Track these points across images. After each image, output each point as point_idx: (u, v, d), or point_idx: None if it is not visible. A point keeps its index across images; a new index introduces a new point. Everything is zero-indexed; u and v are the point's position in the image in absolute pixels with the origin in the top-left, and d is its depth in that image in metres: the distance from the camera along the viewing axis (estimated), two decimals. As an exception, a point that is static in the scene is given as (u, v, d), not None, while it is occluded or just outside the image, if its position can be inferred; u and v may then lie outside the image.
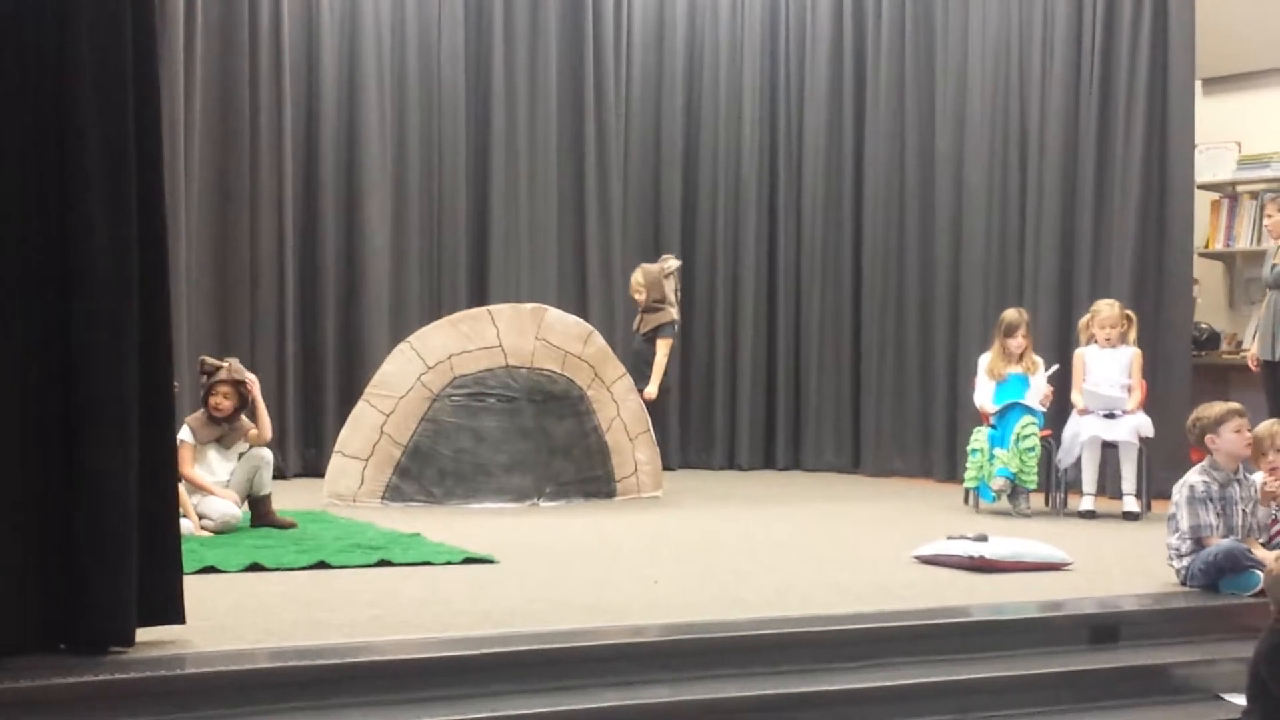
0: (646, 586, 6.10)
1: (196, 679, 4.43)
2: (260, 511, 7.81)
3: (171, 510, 4.78)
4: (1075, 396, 9.18)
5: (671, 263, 10.65)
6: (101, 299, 4.50)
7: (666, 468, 10.65)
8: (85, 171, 4.51)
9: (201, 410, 7.90)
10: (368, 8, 11.31)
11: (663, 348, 10.46)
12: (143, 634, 4.60)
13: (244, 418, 8.01)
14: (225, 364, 7.98)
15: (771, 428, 12.70)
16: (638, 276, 10.58)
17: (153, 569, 4.62)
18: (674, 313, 10.54)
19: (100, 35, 4.54)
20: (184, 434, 7.74)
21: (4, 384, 4.37)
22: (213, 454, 7.88)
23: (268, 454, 8.04)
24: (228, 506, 7.64)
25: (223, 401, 7.86)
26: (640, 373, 10.25)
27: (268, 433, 8.08)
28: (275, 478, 8.15)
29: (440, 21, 11.63)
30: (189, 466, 7.64)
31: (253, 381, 8.03)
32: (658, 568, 6.63)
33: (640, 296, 10.54)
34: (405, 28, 11.51)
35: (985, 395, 9.36)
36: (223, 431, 7.91)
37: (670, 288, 10.55)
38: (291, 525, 7.71)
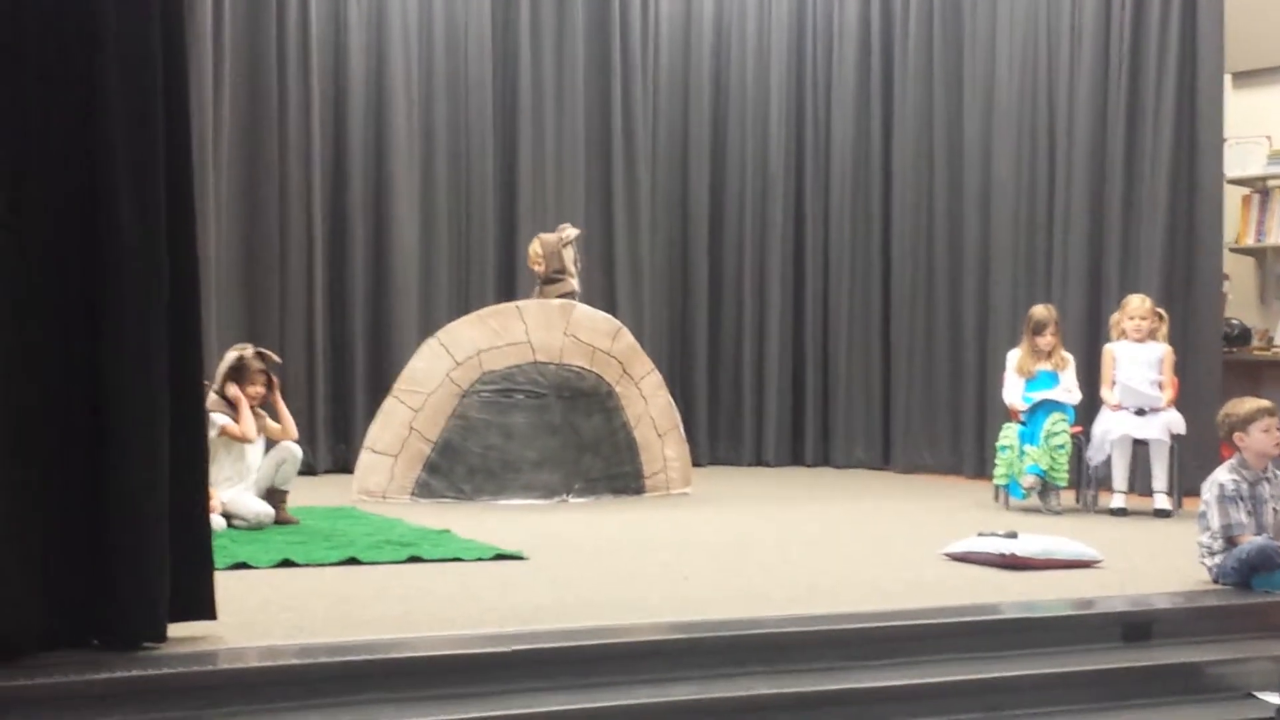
0: (676, 583, 6.09)
1: (228, 675, 4.44)
2: (273, 505, 7.82)
3: (202, 506, 4.79)
4: (1105, 393, 9.14)
5: (570, 231, 10.18)
6: (131, 295, 4.51)
7: (695, 464, 10.65)
8: (114, 168, 4.51)
9: (227, 402, 7.86)
10: (395, 2, 11.33)
11: None
12: (174, 630, 4.61)
13: (279, 406, 8.04)
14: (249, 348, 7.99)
15: (800, 424, 12.68)
16: (535, 247, 10.07)
17: (184, 565, 4.63)
18: (574, 283, 10.05)
19: (129, 27, 4.55)
20: (222, 419, 7.73)
21: (34, 381, 4.38)
22: (248, 445, 7.89)
23: (297, 450, 8.05)
24: (262, 506, 7.66)
25: (259, 390, 7.89)
26: None
27: (293, 430, 8.09)
28: (304, 473, 8.14)
29: (467, 17, 11.64)
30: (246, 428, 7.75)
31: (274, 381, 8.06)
32: (687, 564, 6.62)
33: (539, 268, 10.00)
34: (433, 22, 11.53)
35: (1015, 392, 9.32)
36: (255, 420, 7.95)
37: (569, 257, 10.08)
38: (294, 522, 7.74)
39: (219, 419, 7.72)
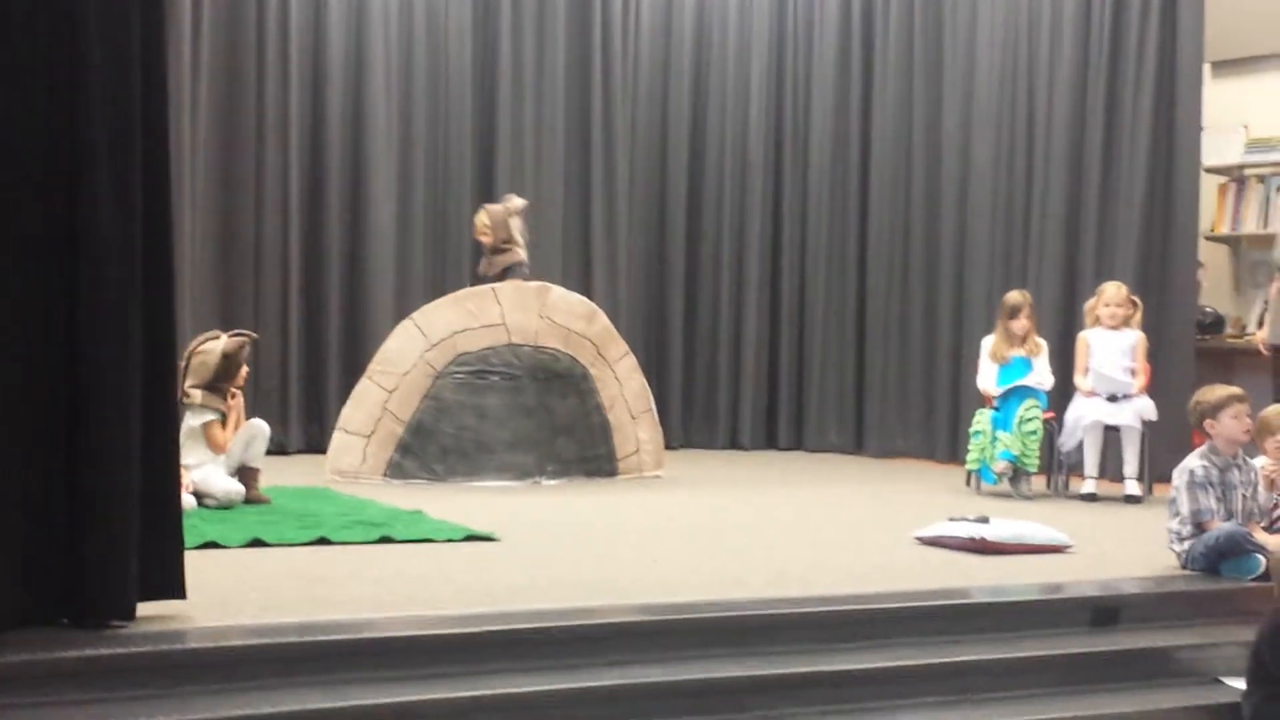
0: (647, 566, 6.11)
1: (197, 654, 4.43)
2: (245, 483, 7.80)
3: (173, 485, 4.78)
4: (1079, 379, 9.18)
5: (516, 201, 10.13)
6: (105, 276, 4.50)
7: (668, 447, 10.64)
8: (91, 147, 4.50)
9: (211, 390, 7.83)
10: (374, -14, 11.30)
11: None
12: (143, 609, 4.61)
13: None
14: (233, 338, 7.97)
15: (774, 408, 12.69)
16: (482, 218, 10.01)
17: (154, 544, 4.63)
18: (522, 253, 10.00)
19: (108, 10, 4.54)
20: (210, 416, 7.75)
21: (7, 363, 4.37)
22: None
23: (265, 427, 8.05)
24: (231, 483, 7.65)
25: (242, 381, 7.93)
26: None
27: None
28: (276, 453, 8.13)
29: (448, 3, 11.60)
30: (229, 433, 7.78)
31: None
32: (658, 547, 6.64)
33: (487, 239, 9.96)
34: (412, 7, 11.48)
35: (988, 378, 9.35)
36: (239, 404, 7.95)
37: (516, 227, 10.02)
38: (265, 501, 7.72)
39: (209, 415, 7.74)
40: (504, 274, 9.88)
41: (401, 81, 11.43)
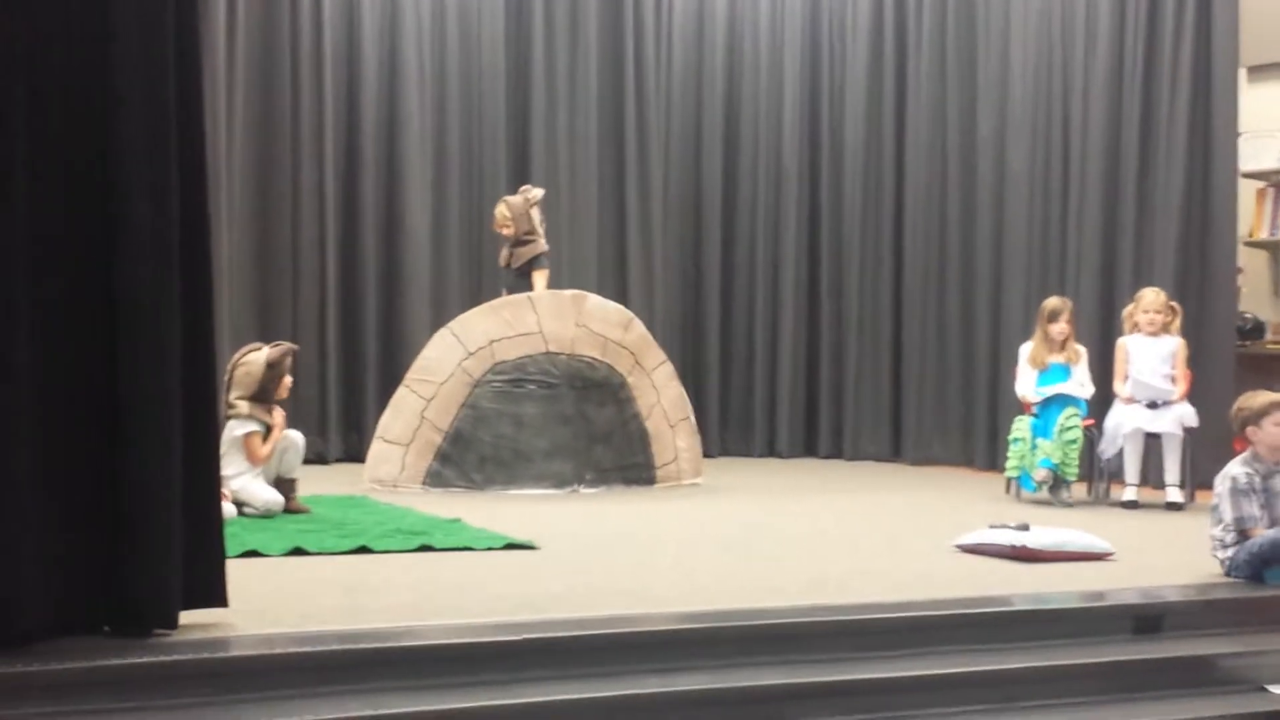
0: (686, 574, 6.09)
1: (238, 661, 4.44)
2: (283, 494, 7.83)
3: (214, 493, 4.79)
4: (1118, 386, 9.14)
5: (535, 192, 10.14)
6: (144, 285, 4.51)
7: (706, 455, 10.64)
8: (126, 160, 4.52)
9: (256, 400, 7.86)
10: (409, -1, 11.35)
11: (540, 279, 9.95)
12: (186, 617, 4.62)
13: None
14: (274, 348, 7.99)
15: (812, 416, 12.68)
16: (503, 210, 10.02)
17: (196, 552, 4.64)
18: (544, 243, 10.05)
19: (143, 24, 4.56)
20: (255, 426, 7.77)
21: (48, 369, 4.39)
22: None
23: (299, 437, 8.07)
24: (272, 493, 7.68)
25: (285, 391, 7.95)
26: None
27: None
28: (315, 462, 8.16)
29: (480, 12, 11.64)
30: (262, 452, 7.77)
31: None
32: (697, 555, 6.63)
33: (508, 231, 9.98)
34: (445, 16, 11.53)
35: (1027, 384, 9.32)
36: (283, 416, 7.99)
37: (536, 218, 10.05)
38: (305, 511, 7.75)
39: (253, 426, 7.77)
40: (529, 265, 9.94)
41: (435, 91, 11.48)
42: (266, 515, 7.55)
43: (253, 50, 10.80)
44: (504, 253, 10.09)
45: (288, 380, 8.00)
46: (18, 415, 4.28)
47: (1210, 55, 10.09)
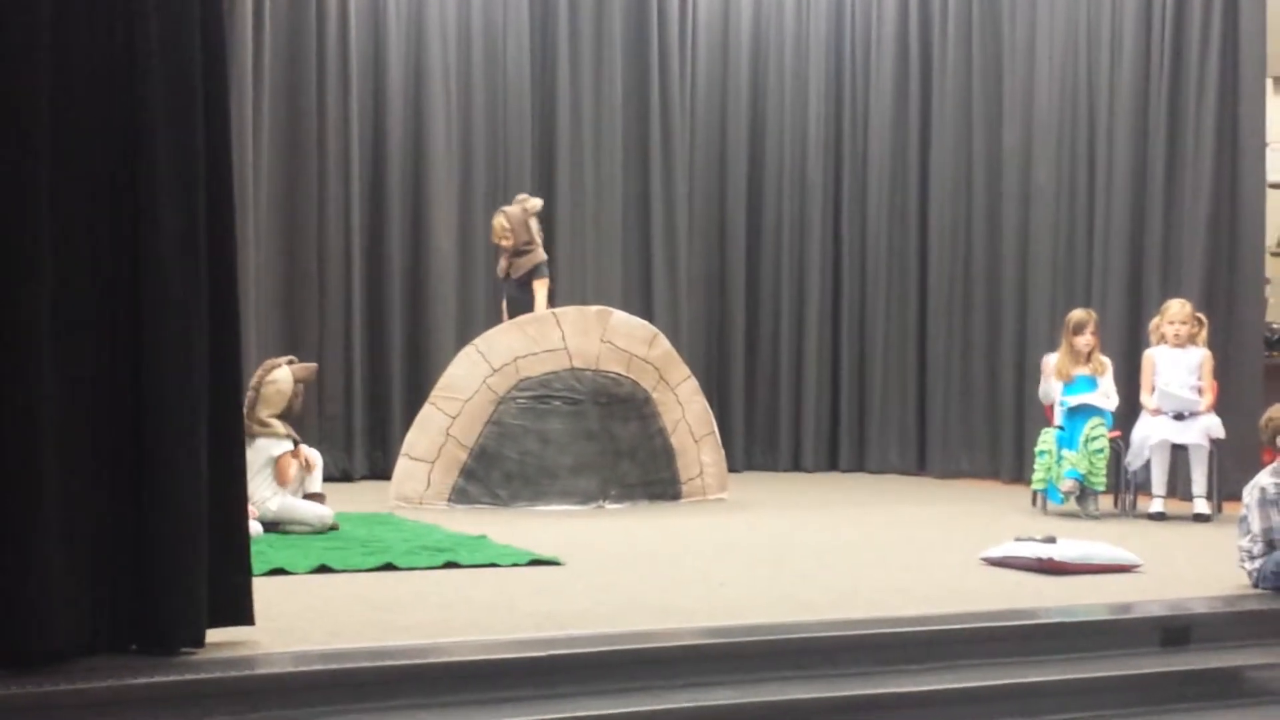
0: (712, 588, 6.09)
1: (266, 679, 4.46)
2: None
3: (241, 512, 4.81)
4: (1145, 398, 9.11)
5: (533, 201, 10.14)
6: (171, 303, 4.54)
7: (731, 470, 10.63)
8: (154, 176, 4.55)
9: (284, 418, 7.88)
10: (433, 11, 11.37)
11: (541, 289, 9.96)
12: (213, 635, 4.64)
13: None
14: (288, 368, 8.01)
15: (837, 429, 12.66)
16: (501, 221, 10.00)
17: (222, 571, 4.66)
18: (543, 253, 10.05)
19: (170, 39, 4.59)
20: (290, 445, 7.80)
21: (75, 388, 4.42)
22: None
23: (317, 454, 8.11)
24: (319, 508, 7.70)
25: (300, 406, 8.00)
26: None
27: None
28: (341, 479, 8.17)
29: (505, 25, 11.67)
30: (294, 473, 7.79)
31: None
32: (724, 570, 6.62)
33: (507, 241, 9.97)
34: (470, 31, 11.57)
35: (1050, 390, 9.28)
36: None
37: (535, 228, 10.05)
38: (334, 527, 7.74)
39: (289, 445, 7.79)
40: (529, 275, 9.94)
41: (461, 107, 11.51)
42: (321, 531, 7.54)
43: (279, 64, 10.85)
44: (502, 263, 10.11)
45: (301, 405, 8.03)
46: (44, 435, 4.30)
47: (1237, 65, 10.05)
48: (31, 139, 4.34)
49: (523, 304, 9.91)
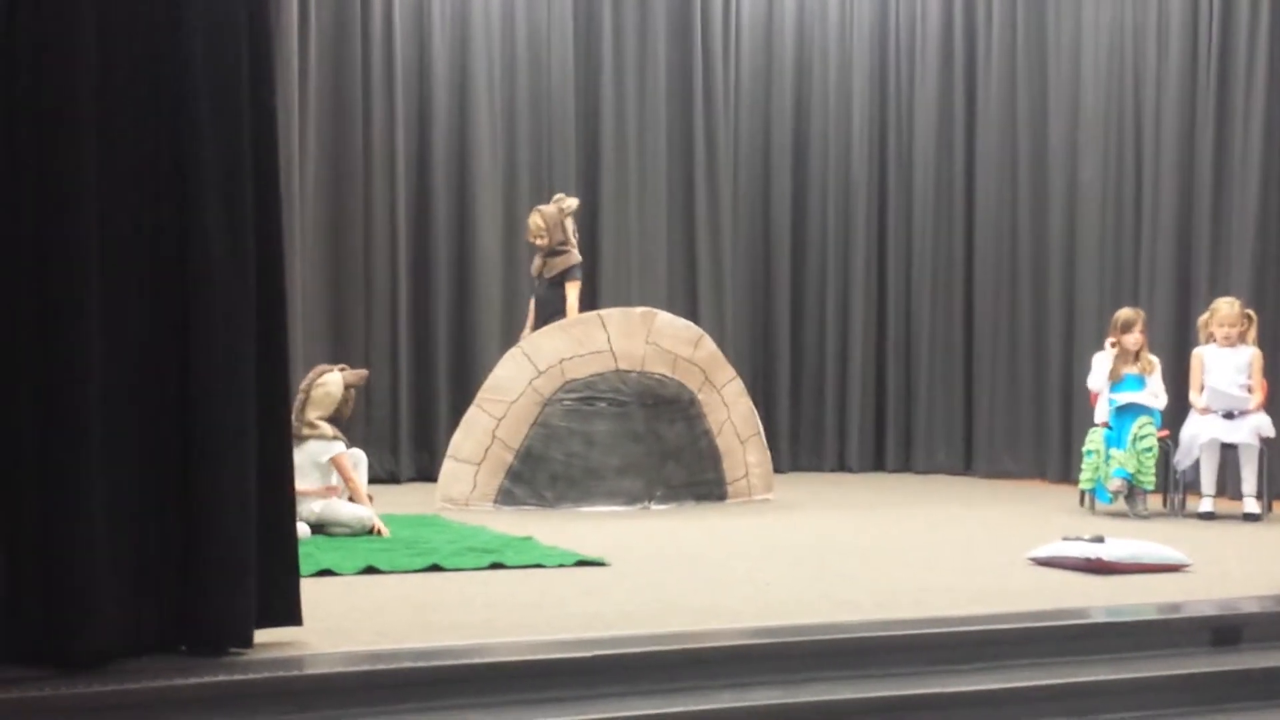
0: (758, 589, 6.08)
1: (313, 680, 4.47)
2: None
3: (289, 513, 4.82)
4: (1194, 397, 9.05)
5: (569, 201, 10.04)
6: (219, 305, 4.56)
7: (777, 470, 10.62)
8: (202, 185, 4.57)
9: (335, 421, 7.91)
10: (478, 11, 11.41)
11: (573, 291, 9.87)
12: (261, 635, 4.66)
13: None
14: (339, 373, 8.03)
15: (883, 430, 12.64)
16: (537, 220, 9.91)
17: (271, 572, 4.68)
18: (578, 255, 9.99)
19: (216, 40, 4.61)
20: (343, 447, 7.85)
21: (123, 388, 4.44)
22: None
23: (362, 454, 8.13)
24: (359, 509, 7.72)
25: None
26: (550, 321, 9.69)
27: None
28: (388, 481, 8.18)
29: (549, 25, 11.70)
30: (355, 476, 7.83)
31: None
32: (769, 570, 6.61)
33: (543, 241, 9.88)
34: (515, 31, 11.60)
35: (1099, 381, 9.20)
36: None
37: (570, 229, 9.98)
38: (383, 533, 7.71)
39: (342, 446, 7.83)
40: (563, 276, 9.89)
41: (505, 109, 11.54)
42: (360, 532, 7.56)
43: (325, 69, 10.91)
44: (537, 262, 10.06)
45: (351, 408, 8.07)
46: (92, 435, 4.33)
47: (1286, 61, 10.00)
48: (75, 135, 4.36)
49: (553, 305, 9.84)
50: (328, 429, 7.80)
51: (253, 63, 4.70)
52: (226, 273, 4.57)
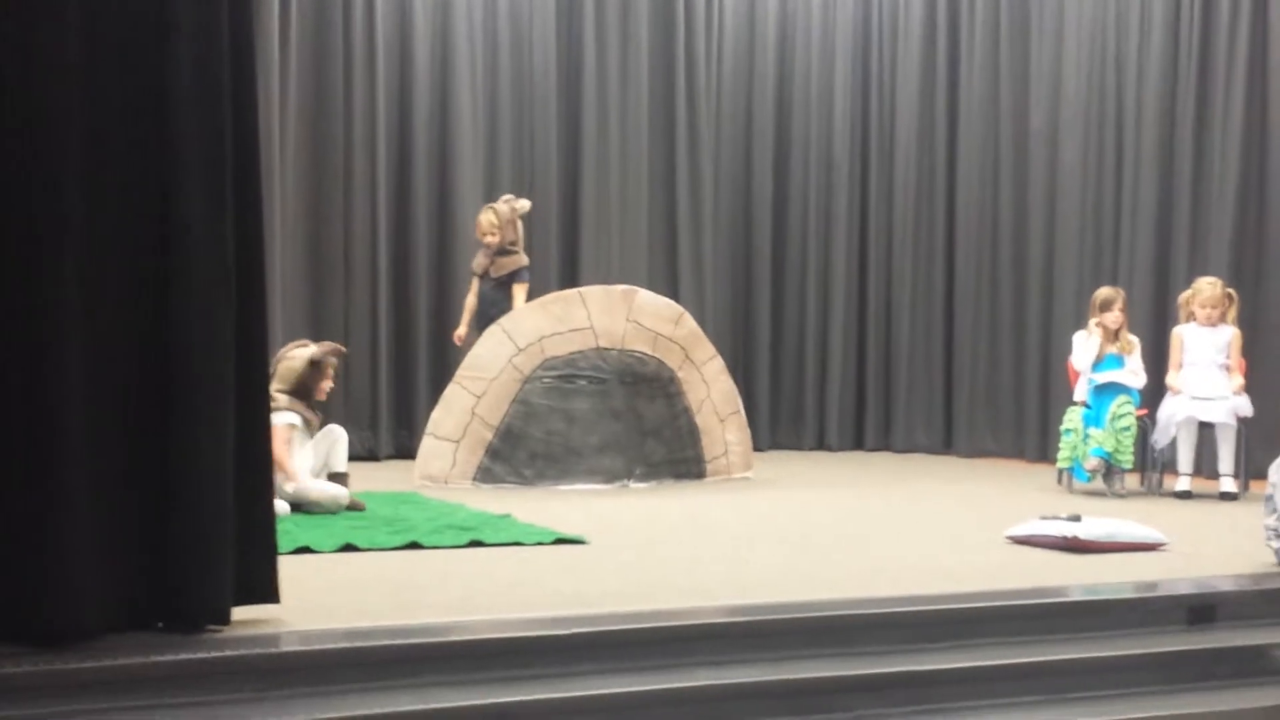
0: (737, 567, 6.09)
1: (291, 657, 4.47)
2: None
3: (267, 491, 4.83)
4: (1172, 376, 9.08)
5: (521, 203, 10.03)
6: (198, 285, 4.55)
7: (756, 449, 10.64)
8: (182, 159, 4.55)
9: (296, 395, 7.83)
10: (460, -1, 11.39)
11: (521, 293, 9.86)
12: (238, 613, 4.65)
13: None
14: (314, 347, 7.97)
15: (862, 408, 12.66)
16: (490, 217, 9.87)
17: (248, 549, 4.67)
18: (525, 256, 9.97)
19: (197, 23, 4.59)
20: (293, 418, 7.72)
21: (102, 369, 4.43)
22: (306, 438, 7.91)
23: (342, 431, 8.09)
24: (332, 487, 7.69)
25: (328, 386, 7.91)
26: (491, 321, 9.54)
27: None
28: (366, 459, 8.15)
29: (531, 7, 11.66)
30: (288, 452, 7.57)
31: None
32: (748, 548, 6.62)
33: (494, 238, 9.84)
34: (496, 13, 11.56)
35: (1084, 359, 9.20)
36: (319, 417, 7.96)
37: (520, 230, 9.96)
38: (360, 507, 7.73)
39: (290, 418, 7.71)
40: (511, 277, 9.88)
41: (487, 88, 11.51)
42: (333, 511, 7.54)
43: (306, 49, 10.88)
44: (481, 260, 9.99)
45: (327, 384, 7.97)
46: (70, 412, 4.32)
47: (1266, 43, 10.01)
48: (59, 121, 4.35)
49: (499, 305, 9.74)
50: (281, 399, 7.69)
51: (234, 42, 4.68)
52: (205, 251, 4.55)
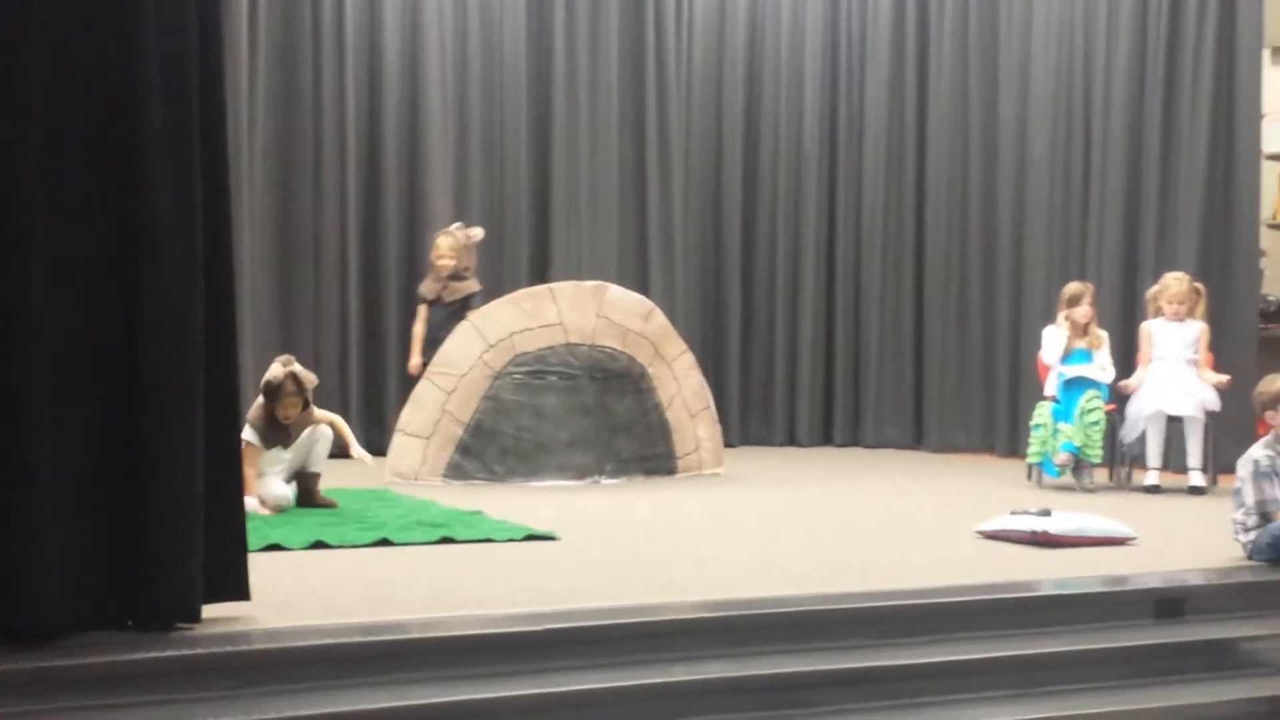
0: (708, 563, 6.10)
1: (261, 655, 4.46)
2: (305, 489, 7.82)
3: (237, 487, 4.81)
4: (1140, 372, 9.12)
5: (475, 231, 10.03)
6: (166, 279, 4.53)
7: (727, 444, 10.64)
8: (150, 153, 4.53)
9: (263, 413, 7.69)
10: (428, -16, 11.36)
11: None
12: (208, 610, 4.64)
13: (313, 409, 7.92)
14: (287, 369, 7.80)
15: (831, 404, 12.67)
16: (447, 242, 9.85)
17: (218, 546, 4.66)
18: (477, 283, 9.96)
19: (165, 13, 4.57)
20: (249, 435, 7.54)
21: (71, 364, 4.41)
22: (276, 451, 7.79)
23: (328, 432, 8.02)
24: (281, 488, 7.63)
25: (290, 412, 7.75)
26: (439, 345, 9.41)
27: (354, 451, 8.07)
28: (339, 455, 8.12)
29: (502, 4, 11.65)
30: (251, 469, 7.28)
31: (339, 422, 8.08)
32: (719, 544, 6.63)
33: (449, 262, 9.83)
34: (466, 8, 11.55)
35: (1053, 354, 9.22)
36: (287, 436, 7.81)
37: (473, 257, 9.98)
38: (332, 505, 7.70)
39: (247, 436, 7.50)
40: (465, 302, 9.81)
41: (457, 84, 11.49)
42: (275, 511, 7.48)
43: (274, 43, 10.84)
44: (433, 285, 9.92)
45: (284, 412, 7.68)
46: (38, 411, 4.30)
47: (1234, 36, 10.04)
48: (25, 118, 4.33)
49: (450, 331, 9.49)
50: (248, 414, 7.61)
51: (202, 38, 4.66)
52: (174, 249, 4.53)
